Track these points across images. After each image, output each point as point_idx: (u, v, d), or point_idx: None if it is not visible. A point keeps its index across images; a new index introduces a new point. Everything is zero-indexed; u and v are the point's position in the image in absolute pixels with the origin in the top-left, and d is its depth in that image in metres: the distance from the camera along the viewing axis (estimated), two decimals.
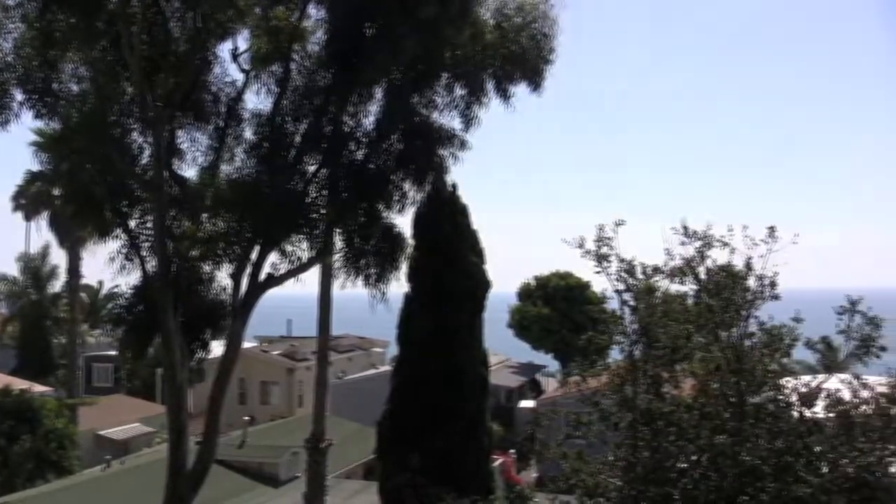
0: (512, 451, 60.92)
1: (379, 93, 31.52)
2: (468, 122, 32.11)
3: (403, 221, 33.07)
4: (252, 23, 30.15)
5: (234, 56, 30.89)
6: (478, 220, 44.43)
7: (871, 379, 21.44)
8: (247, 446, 53.72)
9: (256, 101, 31.73)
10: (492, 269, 44.92)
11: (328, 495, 40.17)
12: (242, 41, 30.96)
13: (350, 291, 32.38)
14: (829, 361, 22.87)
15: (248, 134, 31.47)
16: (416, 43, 29.24)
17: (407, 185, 31.79)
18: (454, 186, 42.90)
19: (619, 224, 21.50)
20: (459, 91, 31.85)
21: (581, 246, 21.70)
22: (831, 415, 20.57)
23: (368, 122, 31.52)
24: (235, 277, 30.57)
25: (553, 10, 31.71)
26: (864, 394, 20.68)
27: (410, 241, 34.33)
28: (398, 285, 34.20)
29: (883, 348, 20.51)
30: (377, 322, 40.62)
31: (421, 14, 28.51)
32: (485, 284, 44.31)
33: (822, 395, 20.74)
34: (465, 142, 32.28)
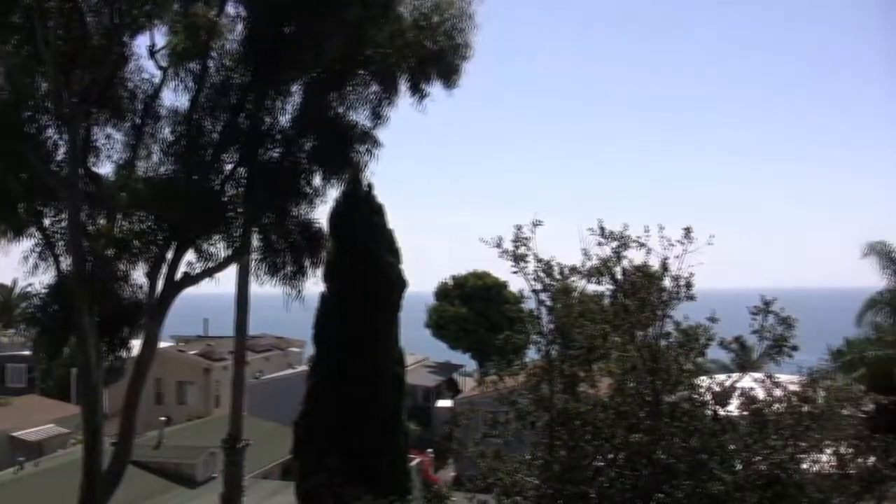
0: (429, 450, 61.06)
1: (296, 90, 31.47)
2: (378, 120, 32.16)
3: (320, 219, 33.03)
4: (170, 19, 29.91)
5: (152, 52, 30.65)
6: (396, 219, 44.46)
7: (784, 378, 21.77)
8: (163, 447, 53.32)
9: (174, 98, 31.54)
10: (409, 268, 44.99)
11: (245, 496, 40.01)
12: (160, 37, 30.74)
13: (267, 291, 32.30)
14: (743, 361, 23.12)
15: (165, 131, 31.26)
16: (341, 43, 29.26)
17: (322, 183, 31.78)
18: (370, 186, 42.98)
19: (536, 224, 21.56)
20: (374, 88, 31.89)
21: (499, 246, 21.74)
22: (745, 413, 20.85)
23: (285, 119, 31.47)
24: (151, 276, 30.35)
25: (471, 7, 31.87)
26: (777, 392, 21.00)
27: (327, 240, 34.31)
28: (315, 284, 34.14)
29: (795, 348, 20.80)
30: (294, 322, 40.50)
31: (346, 15, 28.54)
32: (401, 284, 44.37)
33: (736, 393, 21.01)
34: (377, 140, 32.38)
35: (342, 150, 31.60)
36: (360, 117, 32.14)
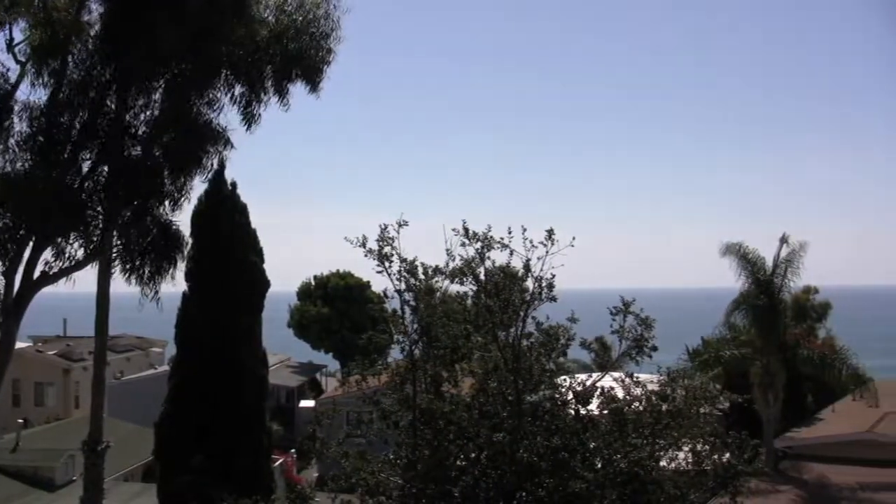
0: (292, 450, 60.84)
1: (158, 89, 31.20)
2: (249, 119, 32.05)
3: (183, 219, 32.81)
4: (29, 13, 29.42)
5: (10, 46, 30.12)
6: (260, 218, 44.33)
7: (643, 377, 22.16)
8: (21, 450, 52.10)
9: (32, 93, 31.03)
10: (273, 267, 44.85)
11: (106, 499, 39.39)
12: (19, 32, 30.22)
13: (128, 290, 31.98)
14: (604, 360, 23.51)
15: (23, 126, 30.71)
16: (179, 35, 29.01)
17: (184, 183, 31.58)
18: (234, 185, 42.74)
19: (401, 224, 21.63)
20: (239, 89, 31.78)
21: (363, 245, 21.75)
22: (606, 412, 21.18)
23: (146, 117, 31.19)
24: (8, 275, 29.80)
25: (335, 10, 31.91)
26: (637, 391, 21.39)
27: (189, 240, 34.08)
28: (175, 284, 33.90)
29: (654, 348, 21.17)
30: (156, 321, 40.08)
31: (187, 6, 28.37)
32: (263, 284, 44.21)
33: (597, 393, 21.33)
34: (230, 140, 32.29)
35: (204, 150, 31.44)
36: (227, 117, 32.01)
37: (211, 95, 31.75)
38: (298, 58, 31.56)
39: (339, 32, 32.21)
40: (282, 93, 32.30)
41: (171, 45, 29.39)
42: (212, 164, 32.60)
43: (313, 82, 32.36)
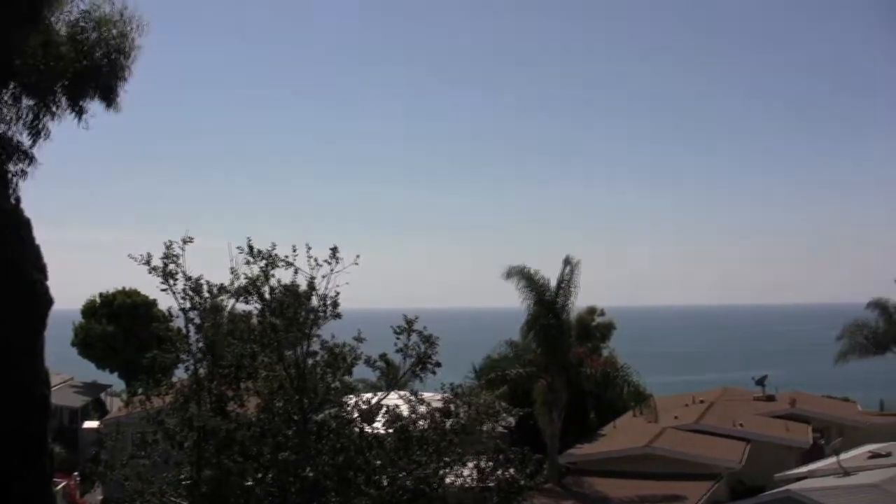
0: (76, 473, 59.52)
1: None
2: (35, 134, 31.27)
3: None
4: None
5: None
6: (45, 233, 43.24)
7: (428, 395, 22.43)
8: None
9: None
10: (57, 285, 43.85)
11: None
12: None
13: None
14: (389, 379, 23.66)
15: None
16: None
17: None
18: (17, 199, 41.67)
19: (186, 241, 21.49)
20: (26, 102, 31.02)
21: (148, 263, 21.55)
22: (391, 430, 21.37)
23: None
24: None
25: (132, 28, 31.41)
26: (422, 409, 21.64)
27: None
28: None
29: (438, 364, 21.47)
30: None
31: None
32: (46, 301, 43.19)
33: (383, 411, 21.51)
34: (33, 157, 31.48)
35: None
36: (14, 131, 31.17)
37: (2, 110, 30.86)
38: (93, 74, 30.95)
39: (135, 51, 31.70)
40: (79, 110, 31.60)
41: None
42: (11, 180, 31.64)
43: (108, 99, 31.75)
